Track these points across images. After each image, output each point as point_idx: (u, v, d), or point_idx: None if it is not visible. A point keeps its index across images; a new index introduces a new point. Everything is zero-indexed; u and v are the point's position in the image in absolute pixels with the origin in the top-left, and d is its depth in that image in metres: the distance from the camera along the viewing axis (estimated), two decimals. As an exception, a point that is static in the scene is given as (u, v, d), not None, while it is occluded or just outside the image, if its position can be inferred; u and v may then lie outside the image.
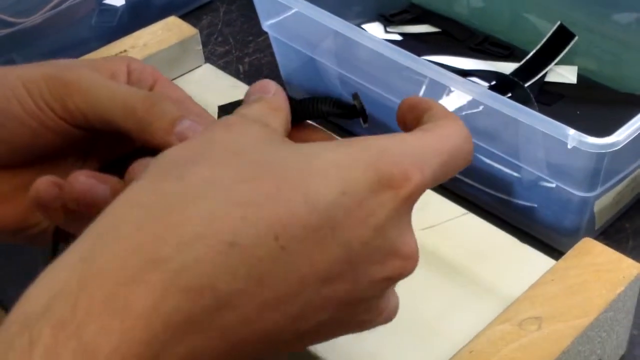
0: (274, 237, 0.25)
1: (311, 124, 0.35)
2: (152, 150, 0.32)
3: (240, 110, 0.31)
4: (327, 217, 0.26)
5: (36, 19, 0.68)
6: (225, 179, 0.26)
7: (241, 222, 0.25)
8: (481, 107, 0.48)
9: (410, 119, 0.33)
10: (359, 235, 0.27)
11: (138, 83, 0.37)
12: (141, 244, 0.24)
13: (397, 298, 0.32)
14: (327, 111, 0.34)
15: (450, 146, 0.30)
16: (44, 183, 0.31)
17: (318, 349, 0.41)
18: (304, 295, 0.26)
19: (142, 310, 0.23)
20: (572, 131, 0.44)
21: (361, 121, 0.35)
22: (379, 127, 0.59)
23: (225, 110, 0.37)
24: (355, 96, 0.35)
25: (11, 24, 0.67)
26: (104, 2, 0.73)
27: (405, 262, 0.29)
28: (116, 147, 0.38)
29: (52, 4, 0.69)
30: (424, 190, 0.29)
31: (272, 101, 0.32)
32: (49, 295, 0.23)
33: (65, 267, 0.24)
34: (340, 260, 0.27)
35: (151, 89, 0.37)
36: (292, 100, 0.34)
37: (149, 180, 0.27)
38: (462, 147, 0.31)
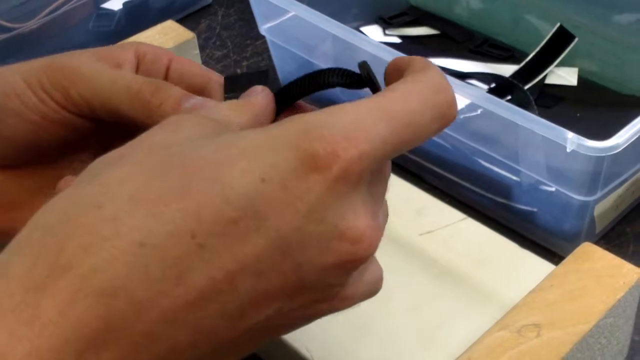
0: (190, 235, 0.24)
1: (307, 107, 0.34)
2: None
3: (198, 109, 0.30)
4: (245, 208, 0.24)
5: (34, 23, 0.68)
6: (138, 176, 0.25)
7: (151, 221, 0.24)
8: (480, 111, 0.48)
9: (394, 81, 0.29)
10: (287, 222, 0.25)
11: (152, 65, 0.36)
12: (49, 249, 0.23)
13: (375, 273, 0.30)
14: (333, 82, 0.32)
15: (416, 102, 0.27)
16: (65, 185, 0.30)
17: (314, 355, 0.41)
18: (237, 292, 0.25)
19: (50, 316, 0.23)
20: (570, 134, 0.43)
21: (370, 92, 0.34)
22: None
23: (231, 81, 0.35)
24: (362, 65, 0.33)
25: (9, 29, 0.67)
26: (102, 6, 0.72)
27: (354, 246, 0.26)
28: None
29: (49, 9, 0.68)
30: (372, 162, 0.26)
31: (241, 101, 0.31)
32: None
33: None
34: (268, 251, 0.25)
35: (168, 69, 0.36)
36: (296, 80, 0.33)
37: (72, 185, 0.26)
38: (432, 100, 0.27)
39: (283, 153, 0.25)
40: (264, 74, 0.35)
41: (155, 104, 0.32)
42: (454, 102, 0.28)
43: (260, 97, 0.31)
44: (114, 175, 0.25)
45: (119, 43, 0.38)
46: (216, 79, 0.36)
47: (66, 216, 0.24)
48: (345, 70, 0.33)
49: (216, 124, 0.28)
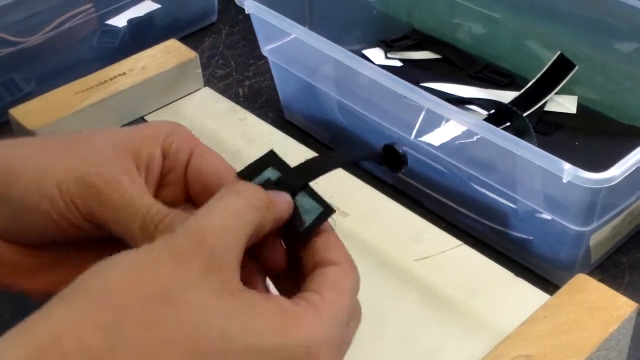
0: None
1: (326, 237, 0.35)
2: None
3: (202, 231, 0.30)
4: None
5: (38, 38, 0.68)
6: (148, 337, 0.27)
7: None
8: (477, 138, 0.48)
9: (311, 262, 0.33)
10: None
11: (175, 156, 0.37)
12: None
13: None
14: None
15: (353, 302, 0.33)
16: None
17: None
18: None
19: None
20: (567, 165, 0.43)
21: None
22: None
23: (245, 175, 0.36)
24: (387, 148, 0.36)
25: (13, 44, 0.67)
26: (106, 22, 0.73)
27: None
28: None
29: (54, 24, 0.69)
30: None
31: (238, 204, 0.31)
32: None
33: None
34: None
35: (188, 162, 0.37)
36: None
37: (76, 315, 0.27)
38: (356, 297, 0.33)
39: None
40: (272, 155, 0.36)
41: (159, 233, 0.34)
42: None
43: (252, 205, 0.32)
44: (124, 325, 0.27)
45: (148, 126, 0.38)
46: (229, 182, 0.36)
47: None
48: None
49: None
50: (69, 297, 0.28)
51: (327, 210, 0.34)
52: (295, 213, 0.34)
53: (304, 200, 0.34)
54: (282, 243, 0.35)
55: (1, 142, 0.36)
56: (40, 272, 0.36)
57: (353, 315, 0.33)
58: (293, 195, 0.34)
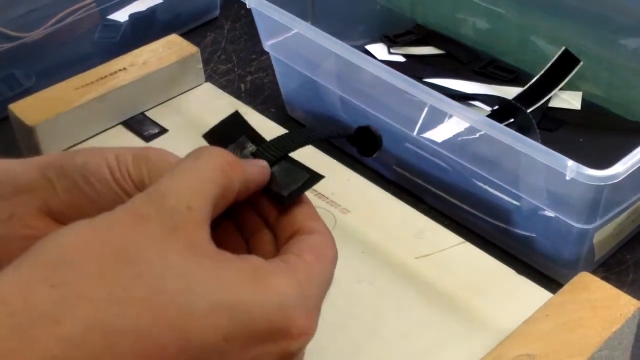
0: None
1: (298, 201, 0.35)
2: None
3: (162, 192, 0.30)
4: (199, 358, 0.27)
5: (39, 33, 0.68)
6: (99, 292, 0.26)
7: (103, 350, 0.25)
8: (480, 135, 0.48)
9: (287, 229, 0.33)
10: None
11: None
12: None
13: None
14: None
15: (332, 271, 0.32)
16: None
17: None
18: None
19: None
20: (570, 162, 0.43)
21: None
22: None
23: (212, 136, 0.36)
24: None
25: (14, 38, 0.67)
26: (107, 17, 0.72)
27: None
28: None
29: (55, 19, 0.69)
30: None
31: (203, 170, 0.31)
32: None
33: None
34: None
35: None
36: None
37: (25, 275, 0.26)
38: (334, 268, 0.32)
39: (256, 318, 0.28)
40: (237, 116, 0.36)
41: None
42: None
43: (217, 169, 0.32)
44: (76, 284, 0.26)
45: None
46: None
47: (24, 324, 0.25)
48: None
49: (186, 233, 0.29)
50: (22, 259, 0.27)
51: (315, 176, 0.34)
52: (278, 179, 0.34)
53: (287, 168, 0.35)
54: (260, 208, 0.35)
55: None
56: None
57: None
58: (272, 163, 0.35)
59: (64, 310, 0.25)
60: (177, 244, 0.28)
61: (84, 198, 0.35)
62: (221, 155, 0.32)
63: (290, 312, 0.28)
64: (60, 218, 0.35)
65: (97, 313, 0.25)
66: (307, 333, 0.29)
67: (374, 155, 0.37)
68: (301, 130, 0.37)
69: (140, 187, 0.35)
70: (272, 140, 0.36)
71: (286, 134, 0.37)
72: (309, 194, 0.35)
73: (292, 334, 0.29)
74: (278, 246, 0.34)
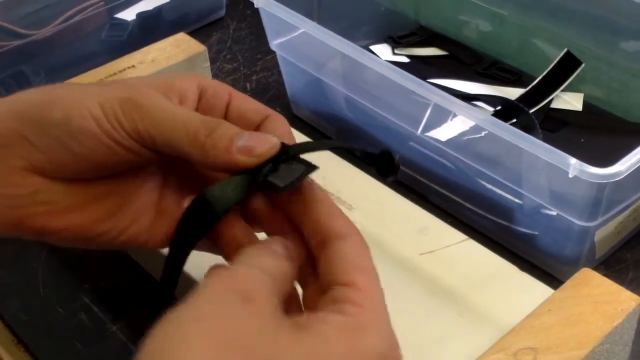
0: None
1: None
2: None
3: (253, 268, 0.30)
4: None
5: (47, 31, 0.69)
6: None
7: None
8: (484, 133, 0.48)
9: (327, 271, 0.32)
10: None
11: (214, 100, 0.38)
12: None
13: None
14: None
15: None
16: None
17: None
18: None
19: None
20: (573, 160, 0.44)
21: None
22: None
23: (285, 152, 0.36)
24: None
25: (23, 36, 0.68)
26: (115, 16, 0.73)
27: None
28: (192, 167, 0.38)
29: (63, 17, 0.69)
30: None
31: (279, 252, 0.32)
32: None
33: None
34: None
35: (228, 104, 0.38)
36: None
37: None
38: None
39: None
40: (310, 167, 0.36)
41: (210, 145, 0.34)
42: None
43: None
44: None
45: (178, 74, 0.39)
46: (273, 117, 0.38)
47: None
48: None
49: (272, 313, 0.29)
50: None
51: (310, 167, 0.34)
52: (277, 172, 0.34)
53: (290, 165, 0.35)
54: None
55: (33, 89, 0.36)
56: (76, 211, 0.36)
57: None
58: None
59: None
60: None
61: (71, 155, 0.34)
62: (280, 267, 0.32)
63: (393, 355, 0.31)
64: (47, 173, 0.34)
65: None
66: None
67: (390, 179, 0.38)
68: (329, 141, 0.37)
69: (135, 136, 0.34)
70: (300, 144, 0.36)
71: (314, 142, 0.37)
72: None
73: None
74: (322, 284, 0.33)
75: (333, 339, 0.29)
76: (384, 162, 0.38)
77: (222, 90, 0.38)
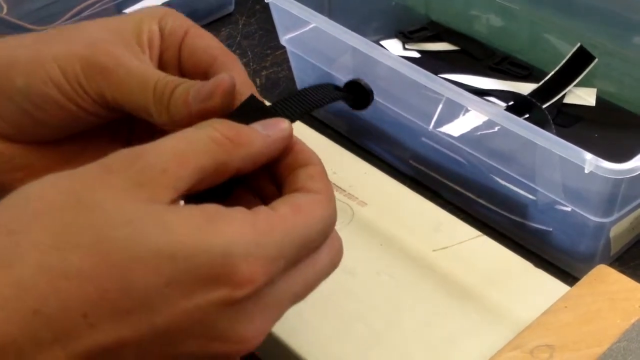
0: (82, 314, 0.26)
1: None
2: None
3: (141, 151, 0.29)
4: (142, 304, 0.26)
5: (55, 27, 0.68)
6: (48, 239, 0.26)
7: (49, 292, 0.26)
8: (497, 128, 0.48)
9: (284, 165, 0.32)
10: (178, 323, 0.27)
11: (169, 38, 0.37)
12: None
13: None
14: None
15: (315, 230, 0.29)
16: None
17: (325, 369, 0.41)
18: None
19: None
20: (589, 156, 0.43)
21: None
22: (395, 145, 0.59)
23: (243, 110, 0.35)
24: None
25: (31, 31, 0.67)
26: (124, 11, 0.73)
27: (231, 346, 0.28)
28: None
29: (71, 13, 0.69)
30: (272, 278, 0.28)
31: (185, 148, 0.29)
32: None
33: None
34: (151, 341, 0.27)
35: (181, 42, 0.37)
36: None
37: None
38: (323, 230, 0.30)
39: (198, 266, 0.27)
40: (253, 100, 0.34)
41: (173, 106, 0.33)
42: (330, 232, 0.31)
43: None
44: (29, 234, 0.26)
45: (147, 11, 0.37)
46: (222, 59, 0.36)
47: None
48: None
49: (152, 192, 0.28)
50: None
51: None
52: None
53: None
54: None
55: None
56: (54, 170, 0.35)
57: (325, 251, 0.31)
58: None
59: (16, 255, 0.26)
60: (136, 197, 0.27)
61: (36, 122, 0.33)
62: (224, 129, 0.30)
63: (234, 259, 0.27)
64: (15, 139, 0.34)
65: (45, 258, 0.26)
66: (253, 282, 0.27)
67: (366, 109, 0.36)
68: (295, 94, 0.35)
69: (100, 101, 0.33)
70: (284, 98, 0.34)
71: (289, 96, 0.34)
72: None
73: (234, 281, 0.27)
74: None
75: (183, 218, 0.27)
76: (354, 93, 0.36)
77: (179, 26, 0.37)
